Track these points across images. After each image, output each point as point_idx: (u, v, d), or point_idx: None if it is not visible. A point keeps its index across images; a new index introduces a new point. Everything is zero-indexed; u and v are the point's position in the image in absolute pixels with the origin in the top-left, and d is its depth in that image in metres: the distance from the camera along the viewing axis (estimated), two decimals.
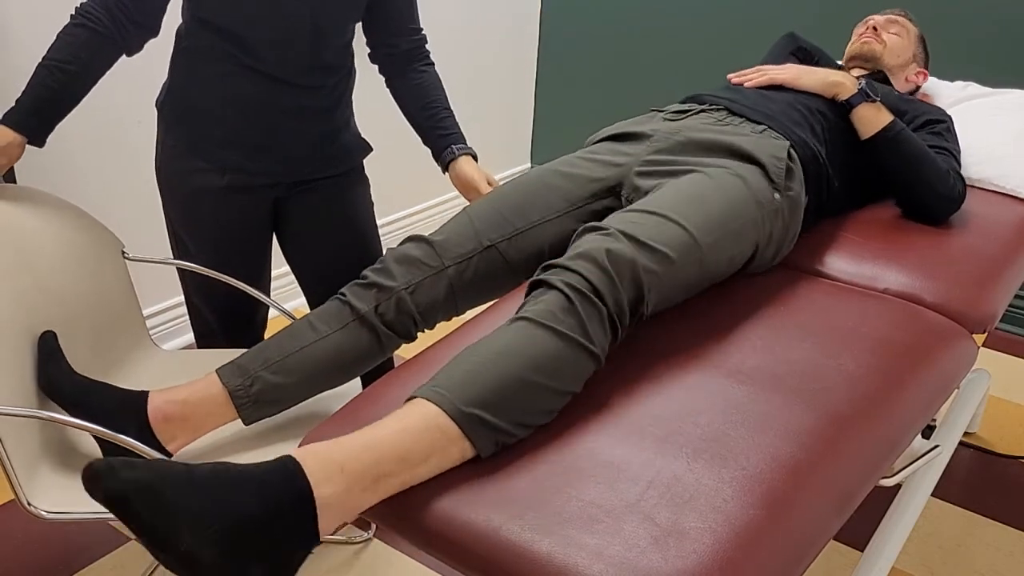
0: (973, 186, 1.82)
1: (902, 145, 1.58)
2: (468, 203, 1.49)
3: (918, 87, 2.01)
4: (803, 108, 1.61)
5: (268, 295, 1.68)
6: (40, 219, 1.38)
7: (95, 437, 1.28)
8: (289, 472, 0.88)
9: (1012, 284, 1.49)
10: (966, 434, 2.17)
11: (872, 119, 1.60)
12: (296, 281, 2.66)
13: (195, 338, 1.70)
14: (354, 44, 1.58)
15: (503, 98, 3.35)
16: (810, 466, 0.98)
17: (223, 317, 1.64)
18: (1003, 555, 1.78)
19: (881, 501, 1.49)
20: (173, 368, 1.53)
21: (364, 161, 1.65)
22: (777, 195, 1.36)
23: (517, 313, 1.08)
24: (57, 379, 1.27)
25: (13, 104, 1.36)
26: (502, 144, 3.45)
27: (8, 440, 1.16)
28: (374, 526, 1.76)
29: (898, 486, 1.37)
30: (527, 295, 1.12)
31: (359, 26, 1.57)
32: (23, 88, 1.37)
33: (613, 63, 3.26)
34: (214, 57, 1.44)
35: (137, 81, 2.10)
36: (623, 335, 1.14)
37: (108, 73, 2.05)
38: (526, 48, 3.38)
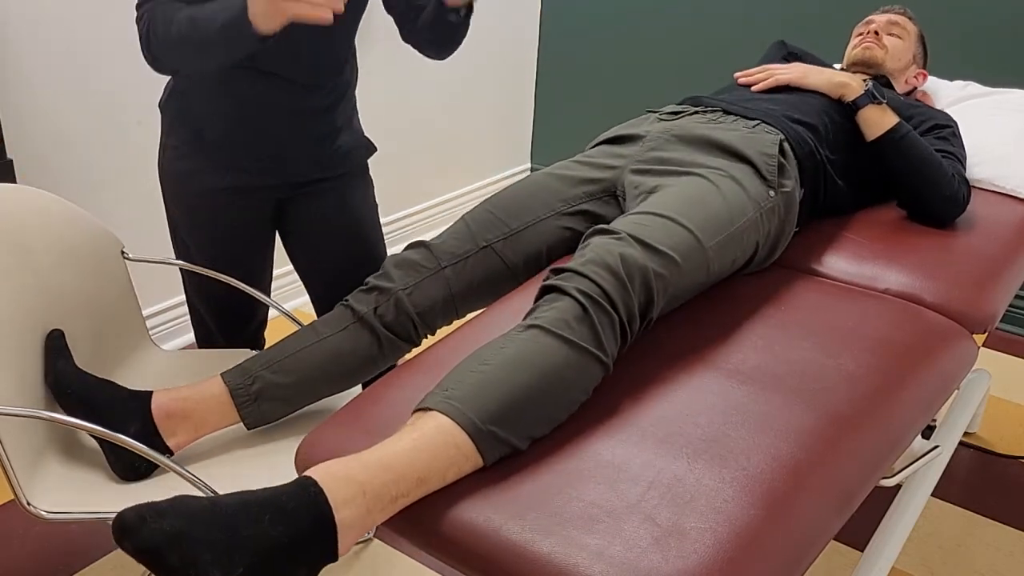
0: (973, 186, 1.82)
1: (908, 148, 1.58)
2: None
3: (915, 87, 2.01)
4: (807, 107, 1.61)
5: (268, 296, 1.68)
6: (40, 219, 1.38)
7: (95, 437, 1.28)
8: (311, 496, 0.88)
9: (1012, 284, 1.49)
10: (966, 434, 2.17)
11: (878, 121, 1.60)
12: (299, 281, 2.68)
13: (196, 339, 1.70)
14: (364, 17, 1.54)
15: (503, 98, 3.35)
16: (810, 466, 0.98)
17: (222, 318, 1.64)
18: (1003, 555, 1.78)
19: (881, 501, 1.49)
20: (173, 368, 1.53)
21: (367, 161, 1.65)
22: (771, 192, 1.37)
23: (528, 318, 1.08)
24: (64, 377, 1.28)
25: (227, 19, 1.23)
26: (502, 144, 3.45)
27: (8, 440, 1.15)
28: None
29: (898, 486, 1.37)
30: (537, 299, 1.12)
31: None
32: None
33: (613, 63, 3.26)
34: None
35: (137, 81, 2.10)
36: (632, 340, 1.14)
37: (108, 73, 2.05)
38: (526, 48, 3.38)
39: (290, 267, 2.64)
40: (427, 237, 1.53)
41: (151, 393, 1.28)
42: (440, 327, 1.40)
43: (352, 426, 1.08)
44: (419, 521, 0.95)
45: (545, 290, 1.12)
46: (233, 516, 0.84)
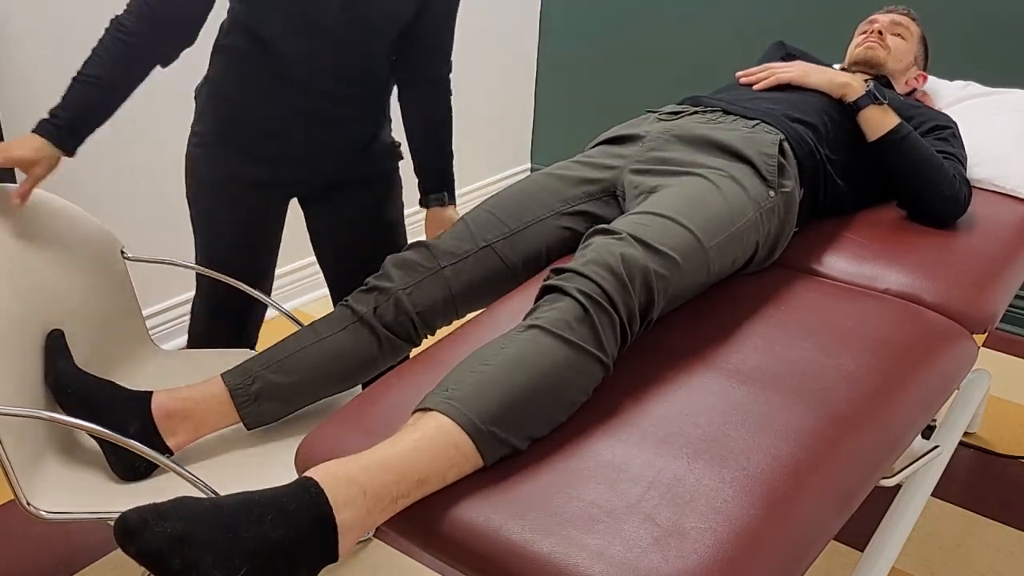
0: (973, 186, 1.82)
1: (909, 148, 1.58)
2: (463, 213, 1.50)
3: (915, 89, 2.01)
4: (807, 106, 1.61)
5: (270, 294, 1.69)
6: (40, 219, 1.38)
7: (95, 437, 1.28)
8: (312, 497, 0.88)
9: (1012, 284, 1.49)
10: (966, 434, 2.17)
11: (879, 121, 1.60)
12: (299, 281, 2.69)
13: (188, 336, 1.71)
14: None
15: (503, 98, 3.35)
16: (810, 466, 0.98)
17: (220, 310, 1.65)
18: (1003, 555, 1.78)
19: (881, 501, 1.49)
20: (173, 368, 1.53)
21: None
22: (771, 192, 1.37)
23: (529, 319, 1.08)
24: (64, 377, 1.29)
25: (47, 116, 1.34)
26: (502, 144, 3.45)
27: (8, 440, 1.16)
28: None
29: (898, 486, 1.37)
30: (538, 299, 1.12)
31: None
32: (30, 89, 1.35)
33: (613, 63, 3.26)
34: (248, 59, 1.45)
35: None
36: (632, 341, 1.14)
37: None
38: (526, 48, 3.38)
39: (291, 267, 2.65)
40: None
41: (151, 393, 1.29)
42: (440, 327, 1.40)
43: (352, 426, 1.08)
44: (419, 521, 0.95)
45: (546, 290, 1.12)
46: (234, 518, 0.84)
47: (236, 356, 1.57)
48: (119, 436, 1.18)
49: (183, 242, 2.31)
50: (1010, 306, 2.70)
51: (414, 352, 2.00)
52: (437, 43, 1.54)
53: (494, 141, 3.40)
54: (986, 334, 1.39)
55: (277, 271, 2.53)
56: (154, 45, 1.36)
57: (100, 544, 1.71)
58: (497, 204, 1.45)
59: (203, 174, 1.53)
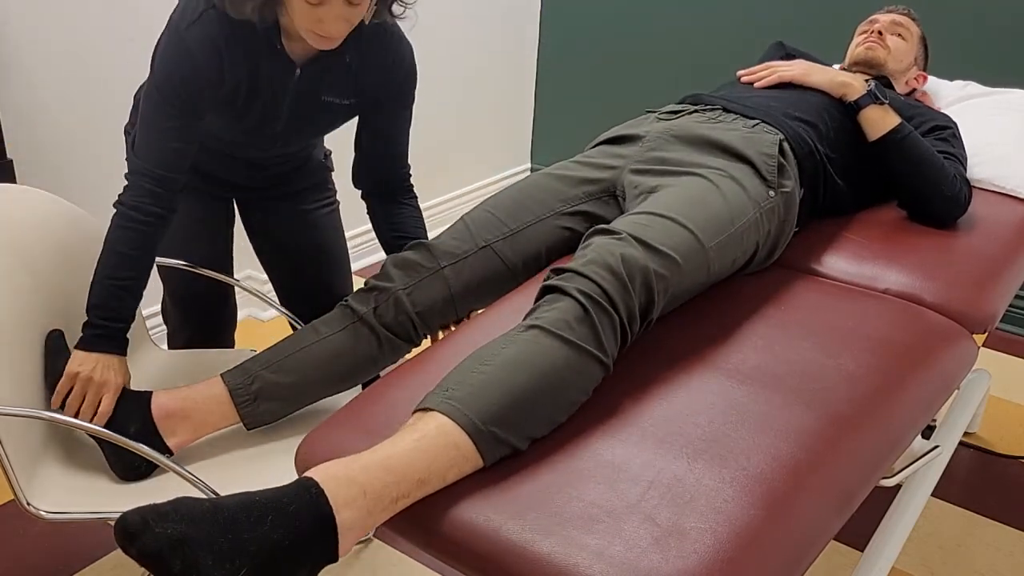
0: (973, 186, 1.81)
1: (909, 148, 1.58)
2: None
3: (915, 89, 2.01)
4: (808, 105, 1.61)
5: (233, 297, 1.70)
6: (39, 220, 1.38)
7: (94, 437, 1.28)
8: (312, 498, 0.88)
9: (1012, 284, 1.49)
10: (966, 434, 2.17)
11: (880, 121, 1.60)
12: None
13: (167, 335, 1.72)
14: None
15: (503, 98, 3.35)
16: (810, 466, 0.98)
17: (189, 317, 1.66)
18: (1003, 555, 1.78)
19: (881, 501, 1.49)
20: (172, 368, 1.53)
21: (345, 175, 1.66)
22: (771, 192, 1.37)
23: (528, 319, 1.08)
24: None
25: (91, 327, 1.30)
26: (502, 144, 3.45)
27: (8, 440, 1.15)
28: None
29: (898, 486, 1.37)
30: (538, 299, 1.12)
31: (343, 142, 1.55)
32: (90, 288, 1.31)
33: (613, 63, 3.26)
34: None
35: (137, 81, 2.10)
36: (632, 341, 1.14)
37: (108, 73, 2.06)
38: (526, 48, 3.38)
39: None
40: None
41: (151, 393, 1.29)
42: (439, 327, 1.40)
43: (352, 426, 1.08)
44: (419, 521, 0.95)
45: (546, 290, 1.12)
46: (234, 518, 0.84)
47: (235, 356, 1.57)
48: (119, 436, 1.18)
49: None
50: (1010, 306, 2.70)
51: (414, 351, 2.00)
52: (391, 150, 1.50)
53: (494, 141, 3.40)
54: (986, 334, 1.39)
55: (261, 278, 2.52)
56: (164, 212, 1.33)
57: (100, 544, 1.71)
58: (497, 204, 1.45)
59: None
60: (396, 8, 1.31)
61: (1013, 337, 2.69)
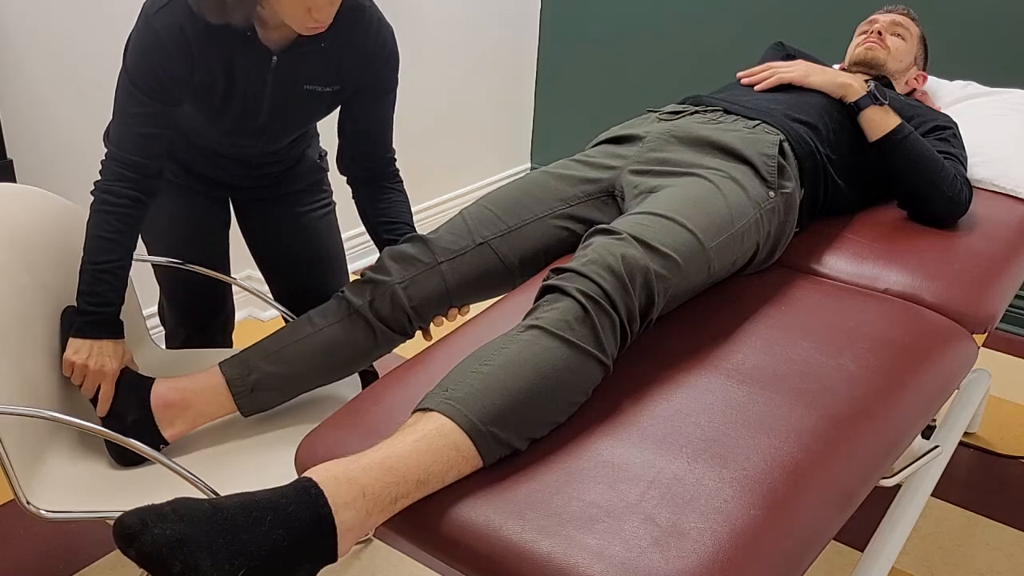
0: (973, 186, 1.82)
1: (909, 149, 1.58)
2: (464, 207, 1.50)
3: (915, 89, 2.01)
4: (808, 106, 1.61)
5: (231, 298, 1.70)
6: (40, 219, 1.38)
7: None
8: (311, 498, 0.88)
9: (1012, 284, 1.49)
10: (966, 434, 2.17)
11: (880, 122, 1.60)
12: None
13: (165, 336, 1.72)
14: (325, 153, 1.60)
15: (503, 98, 3.35)
16: (810, 466, 0.98)
17: (185, 318, 1.66)
18: (1003, 555, 1.78)
19: (881, 501, 1.49)
20: (172, 367, 1.53)
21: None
22: (771, 193, 1.37)
23: (528, 318, 1.08)
24: None
25: (81, 313, 1.30)
26: (502, 144, 3.45)
27: (7, 439, 1.15)
28: None
29: (898, 486, 1.37)
30: (538, 299, 1.12)
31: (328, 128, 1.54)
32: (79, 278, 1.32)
33: (613, 63, 3.26)
34: (176, 139, 1.49)
35: None
36: (631, 341, 1.14)
37: (108, 73, 2.05)
38: (526, 48, 3.38)
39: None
40: None
41: (152, 381, 1.31)
42: (434, 321, 1.41)
43: (352, 426, 1.08)
44: (419, 521, 0.95)
45: (546, 290, 1.12)
46: (233, 519, 0.84)
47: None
48: (119, 436, 1.18)
49: None
50: (1010, 306, 2.70)
51: (414, 351, 2.00)
52: (375, 136, 1.49)
53: (494, 141, 3.40)
54: (986, 334, 1.39)
55: (261, 278, 2.52)
56: (143, 195, 1.33)
57: (100, 544, 1.71)
58: (496, 201, 1.45)
59: None
60: None
61: (1013, 337, 2.69)
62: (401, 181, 1.55)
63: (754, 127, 1.49)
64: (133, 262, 1.34)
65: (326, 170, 1.66)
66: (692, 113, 1.58)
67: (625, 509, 0.92)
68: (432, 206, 3.15)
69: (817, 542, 0.94)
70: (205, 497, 0.87)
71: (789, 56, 2.05)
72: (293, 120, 1.43)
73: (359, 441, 1.03)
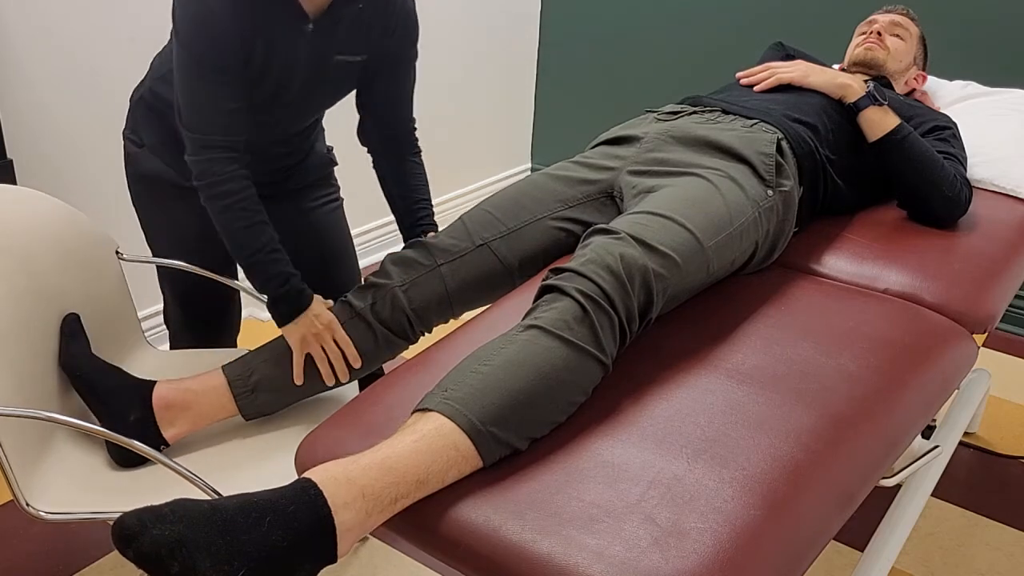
0: (973, 186, 1.82)
1: (909, 149, 1.58)
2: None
3: (915, 89, 2.01)
4: (807, 106, 1.61)
5: (238, 297, 1.69)
6: (36, 221, 1.38)
7: (98, 418, 1.29)
8: (310, 499, 0.88)
9: (1012, 284, 1.49)
10: (966, 434, 2.17)
11: (879, 122, 1.60)
12: None
13: (169, 338, 1.71)
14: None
15: (503, 98, 3.35)
16: (810, 466, 0.98)
17: (193, 319, 1.65)
18: (1003, 555, 1.78)
19: (881, 501, 1.49)
20: (168, 368, 1.53)
21: (351, 170, 1.65)
22: (770, 192, 1.37)
23: (527, 319, 1.08)
24: (75, 359, 1.31)
25: (276, 303, 1.33)
26: (502, 144, 3.45)
27: (7, 441, 1.15)
28: None
29: (898, 486, 1.37)
30: (537, 299, 1.12)
31: (351, 102, 1.53)
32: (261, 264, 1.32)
33: (613, 63, 3.26)
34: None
35: (137, 81, 2.10)
36: (631, 340, 1.14)
37: (108, 73, 2.05)
38: (526, 48, 3.38)
39: None
40: None
41: (154, 383, 1.31)
42: (436, 324, 1.41)
43: (351, 427, 1.08)
44: (419, 521, 0.95)
45: (545, 290, 1.12)
46: (232, 520, 0.84)
47: (233, 355, 1.56)
48: (119, 436, 1.18)
49: None
50: (1010, 306, 2.70)
51: (414, 351, 2.00)
52: (400, 107, 1.50)
53: (494, 141, 3.40)
54: (986, 334, 1.38)
55: None
56: (246, 168, 1.32)
57: (100, 544, 1.71)
58: (495, 203, 1.45)
59: (145, 170, 1.51)
60: None
61: (1013, 337, 2.69)
62: (420, 152, 1.56)
63: (752, 126, 1.49)
64: (129, 262, 1.34)
65: (335, 164, 1.66)
66: (690, 113, 1.59)
67: (625, 509, 0.92)
68: (432, 206, 3.14)
69: (817, 542, 0.94)
70: (204, 498, 0.87)
71: (788, 56, 2.05)
72: (323, 93, 1.42)
73: (359, 441, 1.03)
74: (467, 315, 2.39)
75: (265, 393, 1.32)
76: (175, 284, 1.61)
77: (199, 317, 1.65)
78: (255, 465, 1.30)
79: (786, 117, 1.56)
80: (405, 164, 1.53)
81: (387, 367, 2.11)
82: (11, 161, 1.77)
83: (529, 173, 3.30)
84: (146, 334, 2.31)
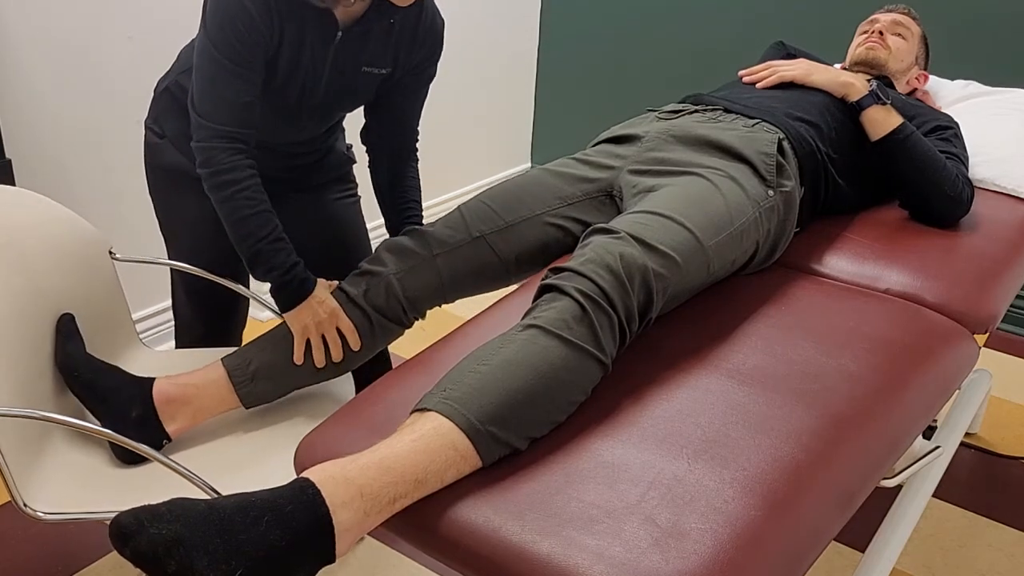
0: (975, 186, 1.81)
1: (912, 148, 1.58)
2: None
3: (916, 88, 2.00)
4: (809, 105, 1.60)
5: (248, 289, 1.69)
6: (31, 221, 1.37)
7: (97, 417, 1.29)
8: (308, 499, 0.88)
9: (1013, 284, 1.49)
10: (967, 435, 2.17)
11: (882, 121, 1.60)
12: None
13: (175, 331, 1.71)
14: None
15: (503, 98, 3.35)
16: (811, 467, 0.98)
17: (203, 311, 1.65)
18: (1004, 556, 1.77)
19: (882, 502, 1.49)
20: (162, 368, 1.53)
21: (357, 168, 1.65)
22: (770, 192, 1.37)
23: (527, 318, 1.07)
24: (72, 359, 1.31)
25: (280, 290, 1.32)
26: (502, 144, 3.45)
27: (4, 441, 1.15)
28: None
29: (899, 487, 1.36)
30: (536, 298, 1.12)
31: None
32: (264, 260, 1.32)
33: (613, 63, 3.25)
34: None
35: (137, 80, 2.10)
36: (630, 340, 1.13)
37: (108, 73, 2.05)
38: (526, 48, 3.38)
39: None
40: None
41: (153, 380, 1.31)
42: (429, 309, 1.42)
43: (351, 426, 1.07)
44: (418, 522, 0.94)
45: (544, 289, 1.11)
46: (230, 519, 0.84)
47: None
48: (118, 436, 1.18)
49: None
50: (1011, 306, 2.70)
51: (413, 351, 2.00)
52: (409, 121, 1.50)
53: (494, 141, 3.40)
54: (987, 334, 1.38)
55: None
56: (253, 161, 1.31)
57: (100, 544, 1.71)
58: (494, 196, 1.45)
59: (164, 162, 1.51)
60: None
61: (1014, 337, 2.69)
62: (417, 160, 1.57)
63: (753, 126, 1.49)
64: (125, 262, 1.33)
65: (354, 162, 1.66)
66: (691, 112, 1.58)
67: (625, 510, 0.91)
68: (432, 206, 3.14)
69: (818, 543, 0.94)
70: (202, 498, 0.87)
71: (790, 55, 2.04)
72: (346, 101, 1.42)
73: (359, 441, 1.03)
74: (467, 315, 2.39)
75: (264, 381, 1.32)
76: (185, 275, 1.61)
77: (208, 308, 1.64)
78: (254, 464, 1.29)
79: (788, 116, 1.55)
80: (403, 169, 1.54)
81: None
82: (10, 161, 1.77)
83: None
84: (144, 334, 2.31)
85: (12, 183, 1.77)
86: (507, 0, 3.18)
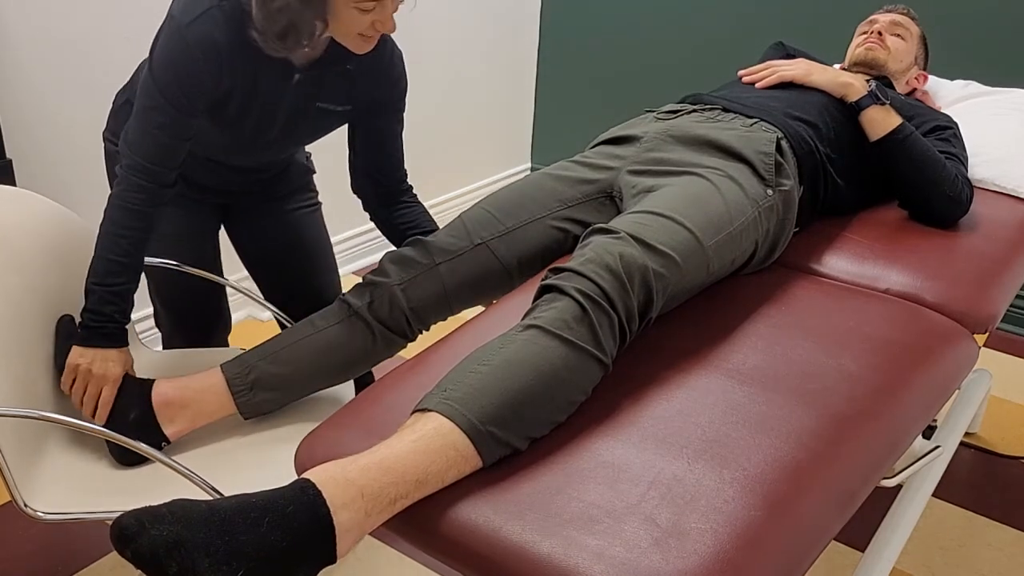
0: (974, 186, 1.81)
1: (911, 148, 1.58)
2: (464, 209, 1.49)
3: (916, 89, 2.00)
4: (808, 105, 1.60)
5: (226, 302, 1.69)
6: (29, 221, 1.37)
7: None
8: (309, 499, 0.88)
9: (1013, 284, 1.49)
10: (967, 434, 2.17)
11: (882, 122, 1.60)
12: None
13: (162, 340, 1.72)
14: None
15: (503, 98, 3.35)
16: (811, 466, 0.98)
17: (182, 327, 1.66)
18: (1004, 556, 1.77)
19: (882, 501, 1.49)
20: (160, 369, 1.53)
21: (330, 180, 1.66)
22: (769, 191, 1.37)
23: (527, 318, 1.08)
24: None
25: (84, 328, 1.30)
26: (502, 144, 3.45)
27: (4, 442, 1.15)
28: None
29: (899, 487, 1.36)
30: (536, 298, 1.12)
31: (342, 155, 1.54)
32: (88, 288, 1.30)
33: (613, 63, 3.25)
34: None
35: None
36: (630, 340, 1.14)
37: (108, 73, 2.05)
38: (526, 48, 3.38)
39: None
40: None
41: (153, 381, 1.31)
42: (434, 323, 1.41)
43: (351, 427, 1.07)
44: (418, 522, 0.95)
45: (544, 289, 1.11)
46: (231, 521, 0.84)
47: (227, 355, 1.56)
48: (117, 436, 1.18)
49: None
50: (1011, 306, 2.70)
51: (413, 351, 2.00)
52: (388, 158, 1.49)
53: (494, 141, 3.40)
54: (987, 334, 1.38)
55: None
56: (154, 211, 1.31)
57: (99, 544, 1.71)
58: (494, 203, 1.45)
59: None
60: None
61: (1014, 337, 2.69)
62: (416, 196, 1.56)
63: (751, 125, 1.49)
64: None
65: (313, 172, 1.67)
66: (690, 112, 1.58)
67: (625, 510, 0.92)
68: (432, 206, 3.14)
69: (818, 542, 0.94)
70: (203, 499, 0.87)
71: (790, 56, 2.04)
72: (303, 135, 1.44)
73: (359, 442, 1.03)
74: (466, 314, 2.39)
75: (263, 391, 1.32)
76: (160, 287, 1.61)
77: (187, 319, 1.65)
78: (254, 465, 1.29)
79: (787, 115, 1.55)
80: (402, 211, 1.52)
81: (387, 367, 2.11)
82: (10, 161, 1.77)
83: (529, 173, 3.30)
84: (143, 334, 2.30)
85: (12, 183, 1.77)
86: (507, 0, 3.18)
